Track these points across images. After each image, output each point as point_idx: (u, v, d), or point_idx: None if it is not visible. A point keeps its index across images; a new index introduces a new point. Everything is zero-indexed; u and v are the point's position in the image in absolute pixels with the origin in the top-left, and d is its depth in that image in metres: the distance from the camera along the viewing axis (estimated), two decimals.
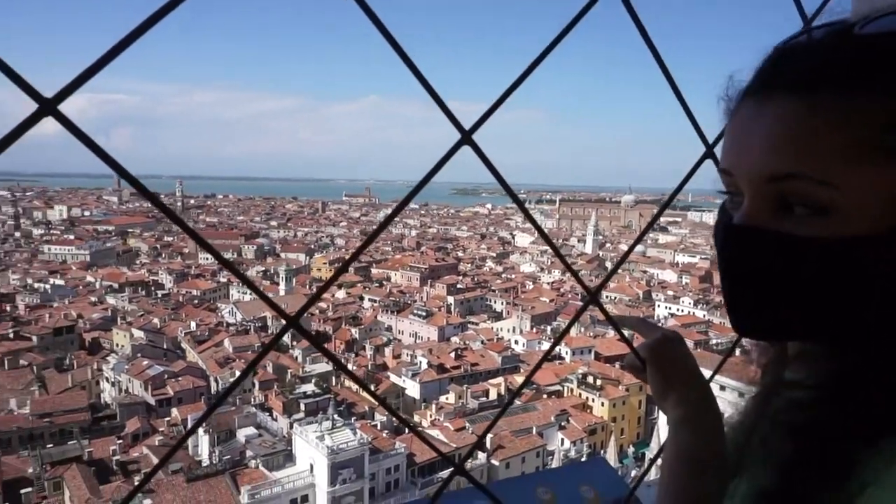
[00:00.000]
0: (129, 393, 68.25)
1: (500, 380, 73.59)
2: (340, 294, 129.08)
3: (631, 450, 45.34)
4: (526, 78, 0.97)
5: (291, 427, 52.35)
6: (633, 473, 42.98)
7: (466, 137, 0.97)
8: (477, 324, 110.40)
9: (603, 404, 69.85)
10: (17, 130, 0.62)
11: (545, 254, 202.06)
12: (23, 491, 44.08)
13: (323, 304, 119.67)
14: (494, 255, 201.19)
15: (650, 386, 1.20)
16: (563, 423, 65.36)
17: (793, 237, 0.81)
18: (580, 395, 72.85)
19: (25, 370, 72.26)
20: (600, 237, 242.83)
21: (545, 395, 71.78)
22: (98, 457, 50.61)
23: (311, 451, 46.10)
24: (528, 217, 1.37)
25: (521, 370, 79.91)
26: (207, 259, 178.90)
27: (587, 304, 1.38)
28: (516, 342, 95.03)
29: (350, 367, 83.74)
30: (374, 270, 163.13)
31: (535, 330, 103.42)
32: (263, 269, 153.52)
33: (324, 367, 78.45)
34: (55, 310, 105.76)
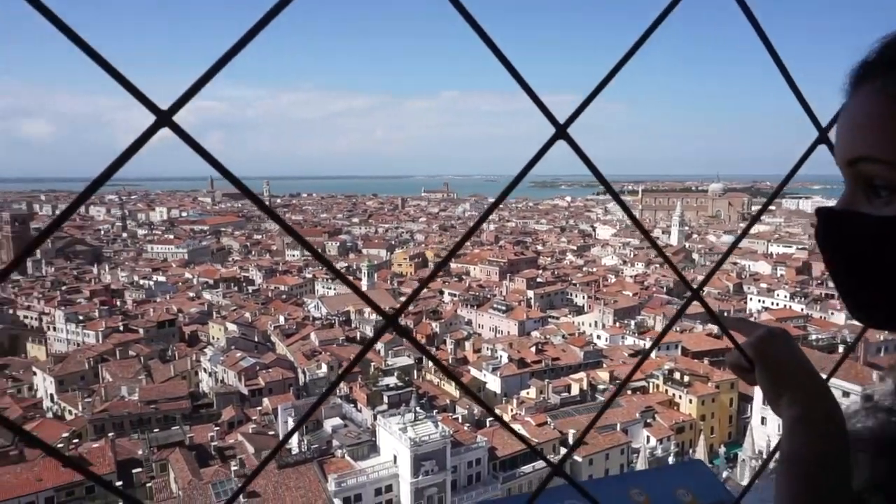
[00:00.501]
0: (224, 383, 72.20)
1: (582, 375, 72.34)
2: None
3: (722, 450, 43.24)
4: (619, 70, 0.96)
5: (375, 418, 53.68)
6: (725, 475, 41.13)
7: (561, 131, 0.97)
8: (558, 318, 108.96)
9: (691, 401, 67.27)
10: (138, 143, 0.59)
11: (627, 246, 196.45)
12: (134, 471, 47.68)
13: (402, 299, 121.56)
14: (575, 248, 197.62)
15: (760, 386, 1.15)
16: (648, 421, 63.48)
17: (874, 219, 0.85)
18: (666, 391, 70.48)
19: (133, 360, 77.94)
20: (686, 228, 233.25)
21: (629, 392, 69.91)
22: (198, 442, 53.87)
23: (395, 442, 47.09)
24: (626, 210, 1.30)
25: (604, 365, 78.22)
26: (294, 255, 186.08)
27: (689, 301, 1.31)
28: (598, 337, 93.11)
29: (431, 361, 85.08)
30: (453, 265, 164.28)
31: (617, 324, 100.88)
32: (346, 265, 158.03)
33: (406, 360, 79.89)
34: (158, 304, 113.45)
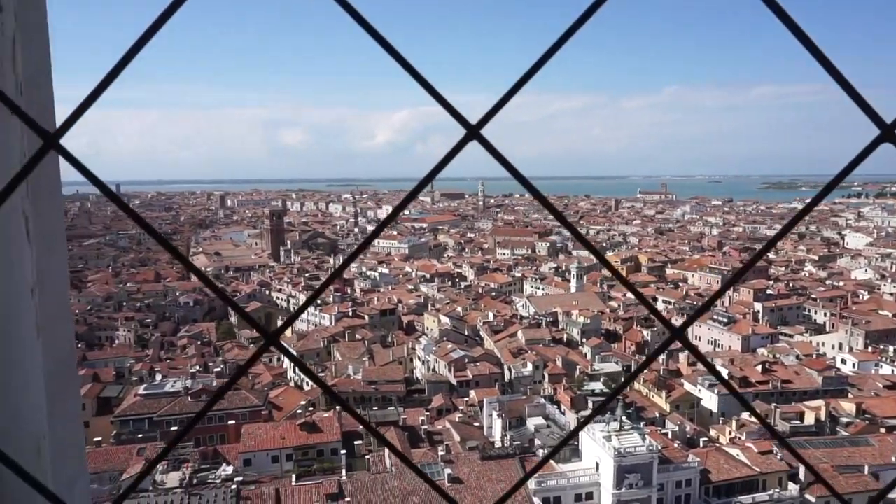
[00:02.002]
0: (435, 372, 76.61)
1: (819, 402, 63.12)
2: (630, 294, 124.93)
3: None
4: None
5: (578, 423, 52.70)
6: None
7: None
8: (791, 336, 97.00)
9: None
10: (450, 155, 0.73)
11: (888, 258, 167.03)
12: (356, 442, 52.82)
13: (614, 304, 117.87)
14: (816, 258, 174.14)
15: None
16: None
17: None
18: None
19: (359, 343, 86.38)
20: None
21: (883, 430, 59.33)
22: (409, 424, 57.85)
23: (598, 449, 45.75)
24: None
25: (850, 395, 67.46)
26: (505, 254, 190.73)
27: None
28: (843, 361, 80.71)
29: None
30: (668, 271, 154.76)
31: (870, 349, 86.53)
32: (555, 265, 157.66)
33: (613, 367, 77.23)
34: (381, 294, 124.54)
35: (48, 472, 1.86)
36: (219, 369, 69.80)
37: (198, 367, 72.57)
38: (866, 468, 52.09)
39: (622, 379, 58.40)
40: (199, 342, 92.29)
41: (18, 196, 1.75)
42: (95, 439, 53.34)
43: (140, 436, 54.25)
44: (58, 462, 1.92)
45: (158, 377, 67.35)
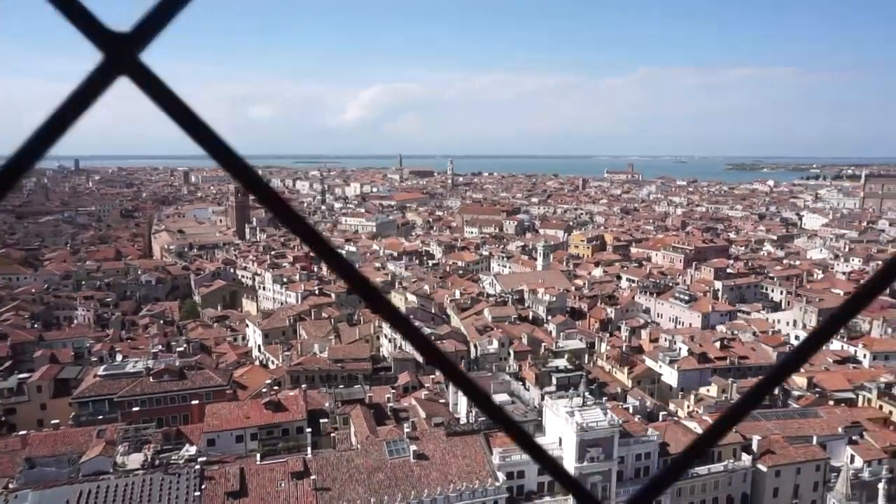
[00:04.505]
0: (402, 349, 76.82)
1: None
2: (598, 272, 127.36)
3: None
4: None
5: (543, 399, 53.59)
6: None
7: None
8: (749, 313, 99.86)
9: None
10: (93, 87, 0.56)
11: (842, 238, 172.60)
12: (321, 420, 52.80)
13: (579, 282, 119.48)
14: (775, 237, 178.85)
15: None
16: (854, 438, 55.72)
17: None
18: (880, 406, 61.16)
19: (325, 321, 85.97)
20: None
21: (831, 402, 61.89)
22: (376, 401, 58.07)
23: (561, 424, 46.64)
24: None
25: (802, 370, 70.05)
26: (472, 233, 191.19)
27: None
28: (797, 338, 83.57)
29: (603, 347, 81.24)
30: (633, 249, 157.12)
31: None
32: (522, 244, 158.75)
33: (577, 343, 78.55)
34: None
35: None
36: (182, 349, 68.75)
37: (160, 347, 71.35)
38: (815, 438, 54.34)
39: (586, 356, 59.37)
40: (161, 321, 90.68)
41: None
42: (53, 421, 52.28)
43: (100, 417, 53.30)
44: None
45: (119, 357, 66.05)
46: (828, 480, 52.12)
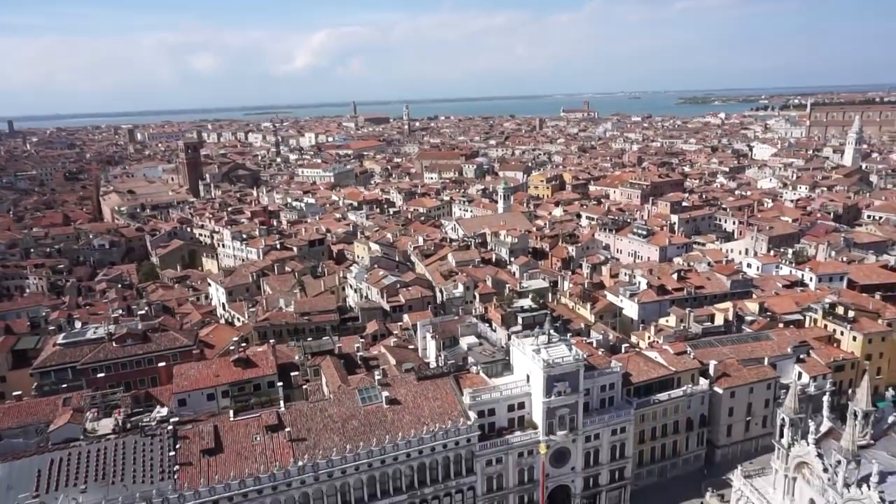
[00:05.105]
0: (368, 299, 77.07)
1: (728, 304, 68.22)
2: (558, 212, 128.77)
3: (890, 393, 39.18)
4: None
5: (509, 338, 54.82)
6: (892, 419, 37.41)
7: None
8: (703, 244, 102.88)
9: (855, 339, 61.19)
10: None
11: (790, 167, 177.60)
12: (292, 374, 53.11)
13: (540, 222, 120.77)
14: (727, 169, 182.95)
15: None
16: (801, 356, 58.98)
17: None
18: (825, 326, 64.57)
19: (289, 276, 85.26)
20: (864, 146, 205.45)
21: (781, 324, 65.03)
22: (345, 352, 58.54)
23: (528, 362, 47.97)
24: None
25: (754, 295, 73.02)
26: (432, 178, 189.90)
27: None
28: (749, 265, 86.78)
29: (566, 284, 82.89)
30: (591, 188, 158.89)
31: (772, 252, 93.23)
32: (482, 187, 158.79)
33: (541, 283, 79.99)
34: (309, 224, 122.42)
35: None
36: (143, 312, 67.51)
37: (120, 311, 69.91)
38: (766, 359, 57.38)
39: (549, 295, 60.41)
40: (119, 285, 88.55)
41: None
42: (15, 393, 51.18)
43: (64, 386, 52.46)
44: None
45: (78, 325, 64.52)
46: (778, 397, 55.34)
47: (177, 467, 39.04)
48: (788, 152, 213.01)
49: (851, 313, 63.00)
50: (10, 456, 38.89)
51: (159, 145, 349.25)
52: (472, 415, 45.76)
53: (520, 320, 62.45)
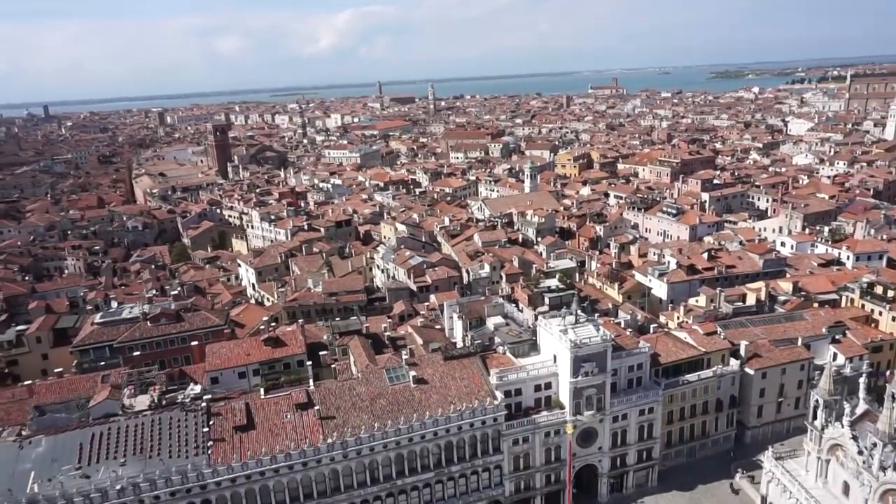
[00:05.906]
0: (395, 279, 77.48)
1: (760, 284, 66.90)
2: (585, 191, 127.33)
3: None
4: None
5: (536, 319, 54.67)
6: None
7: None
8: (735, 223, 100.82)
9: (894, 319, 59.60)
10: None
11: (827, 142, 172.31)
12: (321, 353, 53.89)
13: (567, 202, 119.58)
14: (761, 145, 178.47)
15: None
16: (837, 337, 57.68)
17: None
18: (862, 306, 63.02)
19: (317, 256, 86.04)
20: None
21: (816, 304, 63.60)
22: (373, 331, 59.10)
23: (555, 342, 47.83)
24: None
25: (788, 275, 71.47)
26: (458, 158, 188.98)
27: None
28: (783, 244, 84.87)
29: (594, 264, 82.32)
30: (620, 166, 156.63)
31: (807, 231, 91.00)
32: (509, 166, 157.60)
33: (568, 263, 79.46)
34: (336, 205, 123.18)
35: None
36: (176, 292, 68.98)
37: (154, 291, 71.57)
38: (800, 340, 56.26)
39: (577, 275, 60.05)
40: (152, 266, 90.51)
41: None
42: (57, 370, 52.99)
43: (102, 363, 54.09)
44: None
45: (114, 304, 66.28)
46: (812, 378, 54.35)
47: (210, 443, 40.07)
48: (826, 126, 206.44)
49: (891, 293, 61.33)
50: (53, 430, 40.37)
51: (188, 128, 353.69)
52: (499, 394, 45.92)
53: (547, 300, 62.16)
